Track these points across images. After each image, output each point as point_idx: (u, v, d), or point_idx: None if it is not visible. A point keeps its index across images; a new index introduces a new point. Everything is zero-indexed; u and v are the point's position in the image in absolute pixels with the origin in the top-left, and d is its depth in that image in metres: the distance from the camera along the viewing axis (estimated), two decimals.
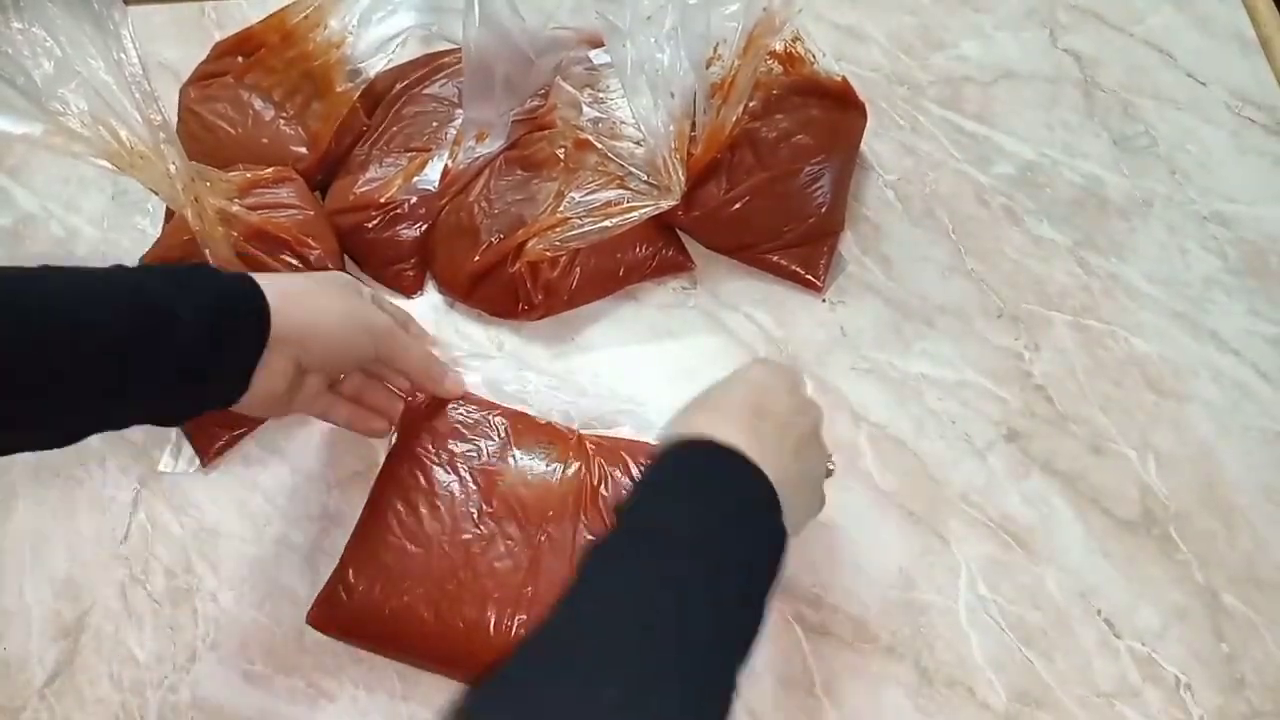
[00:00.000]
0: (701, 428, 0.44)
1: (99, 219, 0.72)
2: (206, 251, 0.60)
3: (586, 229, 0.64)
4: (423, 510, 0.57)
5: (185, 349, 0.45)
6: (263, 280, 0.49)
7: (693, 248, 0.69)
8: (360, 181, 0.68)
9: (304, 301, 0.50)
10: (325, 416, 0.58)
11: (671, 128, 0.62)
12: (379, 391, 0.60)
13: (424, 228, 0.68)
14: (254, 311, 0.48)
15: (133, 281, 0.46)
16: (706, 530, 0.40)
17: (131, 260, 0.70)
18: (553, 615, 0.37)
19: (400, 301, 0.68)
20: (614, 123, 0.68)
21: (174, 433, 0.64)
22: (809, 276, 0.68)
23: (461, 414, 0.60)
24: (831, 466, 0.54)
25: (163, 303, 0.45)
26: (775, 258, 0.68)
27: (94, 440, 0.63)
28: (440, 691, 0.56)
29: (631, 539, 0.41)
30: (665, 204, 0.64)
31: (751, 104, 0.66)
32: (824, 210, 0.67)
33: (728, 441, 0.43)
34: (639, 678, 0.35)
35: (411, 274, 0.68)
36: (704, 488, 0.43)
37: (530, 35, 0.68)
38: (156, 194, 0.57)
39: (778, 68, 0.69)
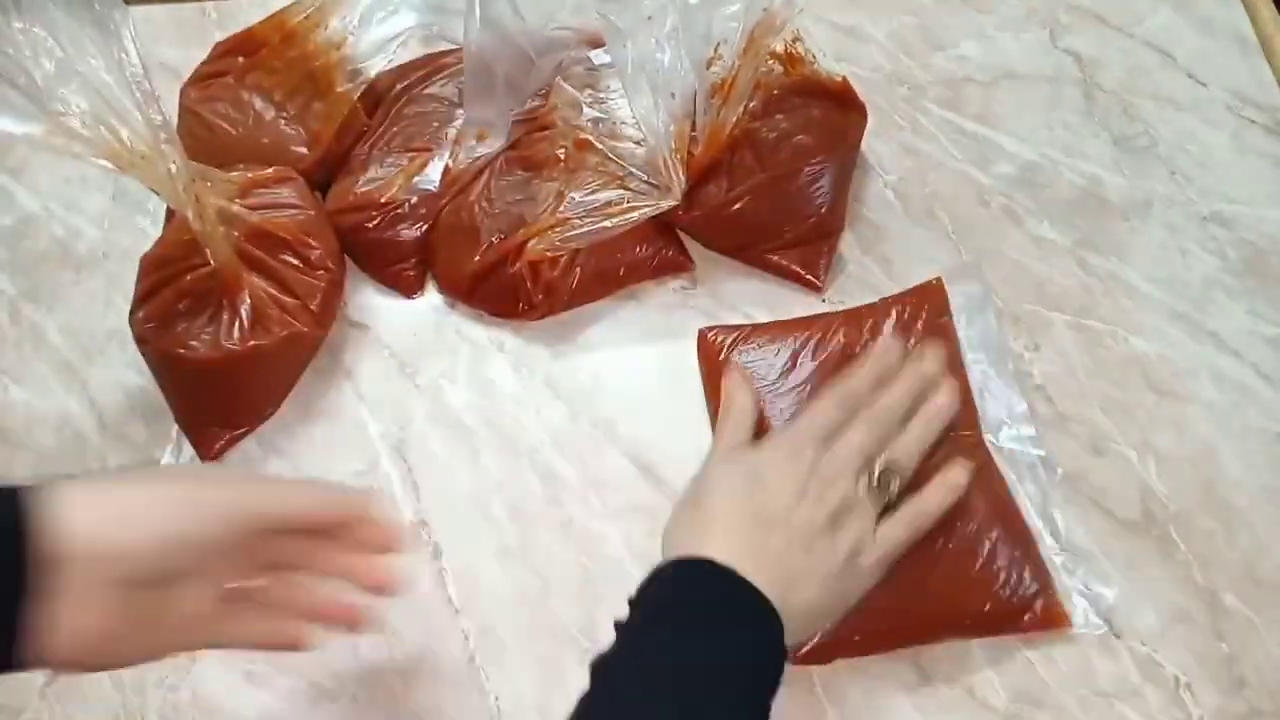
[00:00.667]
0: (705, 547, 0.46)
1: (100, 219, 0.72)
2: (208, 251, 0.60)
3: (587, 229, 0.64)
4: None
5: None
6: (52, 486, 0.36)
7: (693, 248, 0.70)
8: (361, 181, 0.68)
9: (112, 495, 0.37)
10: (226, 640, 0.44)
11: (672, 128, 0.63)
12: (290, 586, 0.45)
13: (424, 228, 0.68)
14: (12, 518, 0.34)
15: None
16: (693, 670, 0.42)
17: (132, 258, 0.70)
18: None
19: (401, 302, 0.69)
20: (614, 123, 0.68)
21: (174, 431, 0.64)
22: (809, 276, 0.68)
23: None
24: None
25: None
26: (775, 258, 0.68)
27: (94, 439, 0.64)
28: (436, 692, 0.56)
29: (624, 674, 0.43)
30: (665, 204, 0.64)
31: (752, 104, 0.66)
32: (824, 210, 0.67)
33: (725, 561, 0.45)
34: None
35: (412, 274, 0.68)
36: (696, 620, 0.44)
37: (531, 35, 0.68)
38: (157, 194, 0.57)
39: (778, 68, 0.69)
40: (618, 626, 0.46)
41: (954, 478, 0.54)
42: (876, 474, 0.52)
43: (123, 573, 0.36)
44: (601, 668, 0.44)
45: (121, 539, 0.36)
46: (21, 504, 0.35)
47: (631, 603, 0.47)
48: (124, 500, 0.37)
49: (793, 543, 0.48)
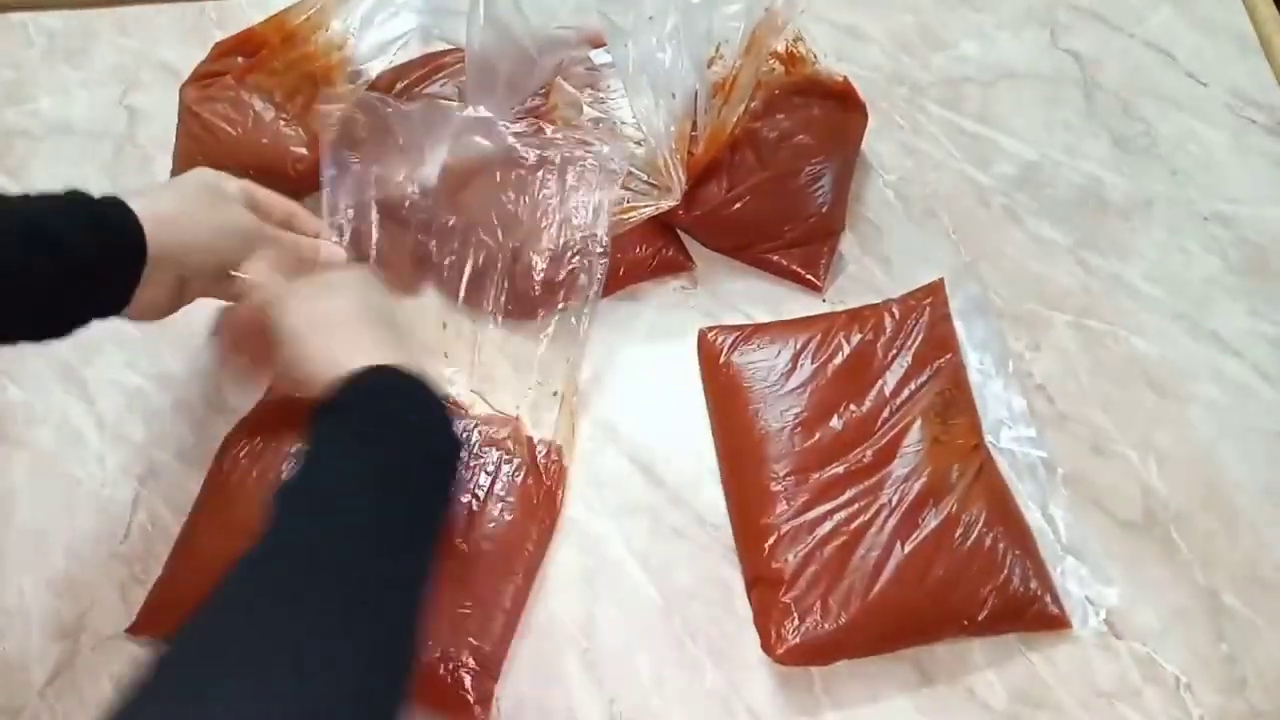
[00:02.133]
0: (354, 356, 0.50)
1: None
2: None
3: None
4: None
5: (73, 271, 0.49)
6: (135, 203, 0.51)
7: (693, 247, 0.69)
8: None
9: (177, 221, 0.52)
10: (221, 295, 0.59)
11: (673, 127, 0.63)
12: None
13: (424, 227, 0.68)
14: (127, 233, 0.50)
15: (17, 209, 0.49)
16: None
17: None
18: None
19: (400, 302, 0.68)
20: (614, 123, 0.68)
21: (172, 433, 0.63)
22: (809, 276, 0.68)
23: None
24: None
25: (50, 229, 0.48)
26: (776, 257, 0.68)
27: (94, 439, 0.63)
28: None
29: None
30: (666, 204, 0.64)
31: (753, 104, 0.66)
32: (825, 210, 0.67)
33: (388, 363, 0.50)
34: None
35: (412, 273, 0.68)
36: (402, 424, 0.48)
37: (533, 34, 0.68)
38: None
39: (779, 68, 0.69)
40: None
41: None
42: None
43: (178, 270, 0.54)
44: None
45: (184, 251, 0.53)
46: (135, 219, 0.50)
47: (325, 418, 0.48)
48: (187, 225, 0.53)
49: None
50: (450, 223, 0.66)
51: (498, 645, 0.56)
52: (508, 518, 0.58)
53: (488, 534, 0.58)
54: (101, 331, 0.67)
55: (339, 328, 0.52)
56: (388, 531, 0.43)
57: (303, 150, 0.68)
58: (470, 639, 0.55)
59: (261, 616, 0.38)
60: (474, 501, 0.59)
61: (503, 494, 0.59)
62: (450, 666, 0.54)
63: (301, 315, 0.53)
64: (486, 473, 0.59)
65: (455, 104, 0.69)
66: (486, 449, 0.60)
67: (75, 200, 0.50)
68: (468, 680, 0.54)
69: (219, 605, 0.38)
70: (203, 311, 0.68)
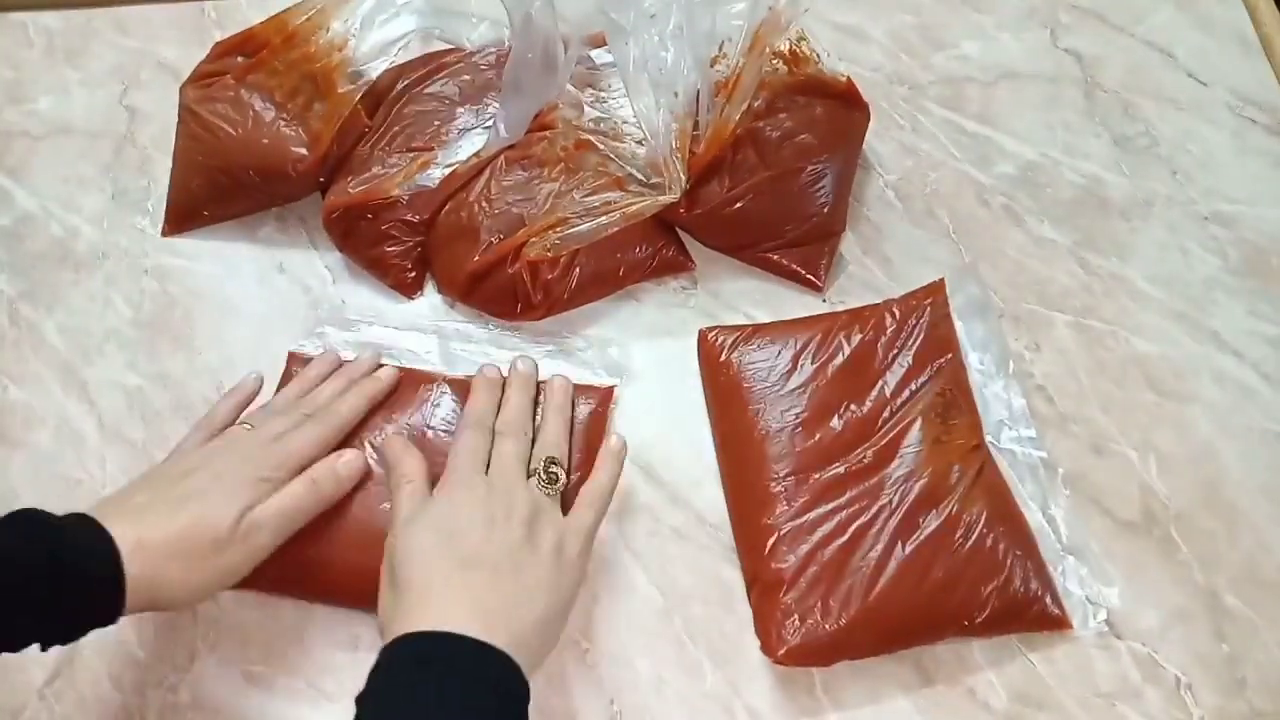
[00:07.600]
0: (416, 620, 0.45)
1: (99, 219, 0.72)
2: None
3: (587, 229, 0.64)
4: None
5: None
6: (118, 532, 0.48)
7: (693, 247, 0.69)
8: (361, 181, 0.68)
9: (167, 567, 0.49)
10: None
11: (674, 126, 0.62)
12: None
13: (424, 228, 0.68)
14: (104, 582, 0.47)
15: None
16: None
17: (131, 258, 0.70)
18: None
19: (400, 302, 0.68)
20: (616, 123, 0.68)
21: (170, 434, 0.64)
22: (810, 276, 0.68)
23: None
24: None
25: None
26: (776, 257, 0.68)
27: (93, 439, 0.63)
28: None
29: None
30: (665, 200, 0.64)
31: (756, 103, 0.66)
32: (826, 210, 0.67)
33: (440, 625, 0.45)
34: None
35: (411, 274, 0.68)
36: (428, 698, 0.43)
37: (564, 37, 0.67)
38: None
39: (782, 67, 0.69)
40: None
41: (616, 447, 0.57)
42: (541, 471, 0.54)
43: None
44: None
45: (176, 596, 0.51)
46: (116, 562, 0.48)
47: (358, 700, 0.45)
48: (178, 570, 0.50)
49: (500, 571, 0.48)
50: None
51: None
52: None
53: None
54: (101, 331, 0.67)
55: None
56: None
57: (303, 150, 0.68)
58: None
59: None
60: None
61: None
62: None
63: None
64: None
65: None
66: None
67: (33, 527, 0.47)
68: None
69: None
70: (203, 312, 0.68)
